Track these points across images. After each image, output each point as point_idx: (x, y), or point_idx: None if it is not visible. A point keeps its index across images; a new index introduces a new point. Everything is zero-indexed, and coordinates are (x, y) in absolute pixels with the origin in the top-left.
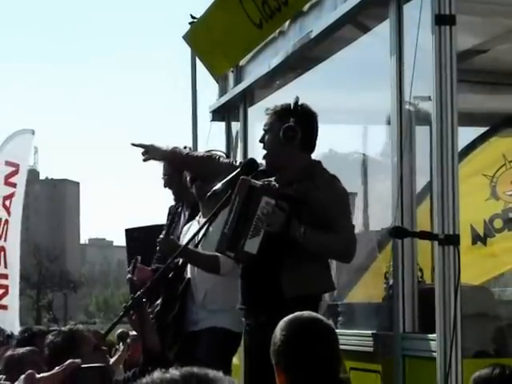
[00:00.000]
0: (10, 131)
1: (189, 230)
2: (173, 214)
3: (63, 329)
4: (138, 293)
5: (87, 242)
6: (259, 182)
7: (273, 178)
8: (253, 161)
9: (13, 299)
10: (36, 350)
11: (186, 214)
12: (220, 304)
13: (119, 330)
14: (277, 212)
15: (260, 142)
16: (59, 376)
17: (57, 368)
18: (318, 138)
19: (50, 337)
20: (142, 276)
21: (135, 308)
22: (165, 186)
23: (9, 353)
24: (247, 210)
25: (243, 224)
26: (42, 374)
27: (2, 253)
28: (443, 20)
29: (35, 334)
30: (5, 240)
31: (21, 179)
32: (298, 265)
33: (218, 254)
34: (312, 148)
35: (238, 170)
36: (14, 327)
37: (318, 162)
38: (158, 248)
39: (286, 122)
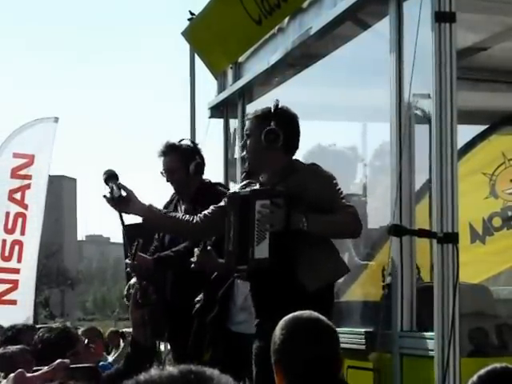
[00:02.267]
0: (15, 124)
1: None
2: (166, 207)
3: (54, 326)
4: (144, 283)
5: (84, 238)
6: (248, 190)
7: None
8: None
9: (24, 295)
10: (27, 348)
11: (183, 207)
12: None
13: (119, 330)
14: (275, 210)
15: (242, 147)
16: (49, 375)
17: (46, 367)
18: (318, 135)
19: (41, 332)
20: (141, 264)
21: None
22: (167, 181)
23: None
24: (246, 220)
25: (246, 235)
26: (31, 374)
27: (18, 246)
28: (443, 17)
29: (20, 330)
30: (22, 234)
31: (38, 170)
32: (310, 258)
33: None
34: (294, 149)
35: (245, 173)
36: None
37: (297, 160)
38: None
39: (267, 125)
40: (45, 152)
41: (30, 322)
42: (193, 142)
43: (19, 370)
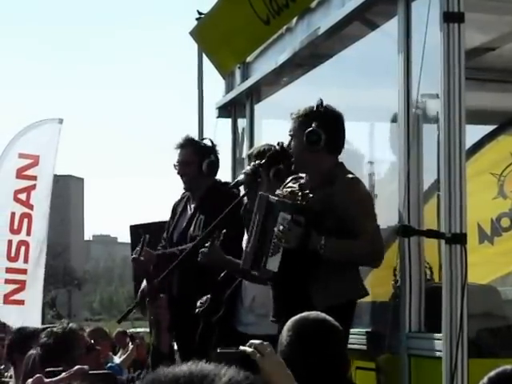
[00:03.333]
0: (21, 124)
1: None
2: (176, 206)
3: (55, 329)
4: (155, 281)
5: (91, 238)
6: (276, 198)
7: (302, 181)
8: (281, 151)
9: (32, 295)
10: None
11: (192, 206)
12: (268, 309)
13: (128, 330)
14: (293, 228)
15: (287, 147)
16: (66, 381)
17: (64, 373)
18: None
19: (42, 336)
20: (148, 259)
21: (149, 297)
22: (178, 173)
23: (28, 355)
24: (266, 228)
25: (263, 242)
26: (49, 379)
27: (24, 247)
28: (452, 17)
29: (33, 333)
30: (27, 234)
31: (43, 171)
32: (326, 275)
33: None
34: (339, 149)
35: (263, 161)
36: (32, 323)
37: (341, 164)
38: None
39: (310, 126)
40: (49, 153)
41: (39, 322)
42: (212, 142)
43: (37, 375)
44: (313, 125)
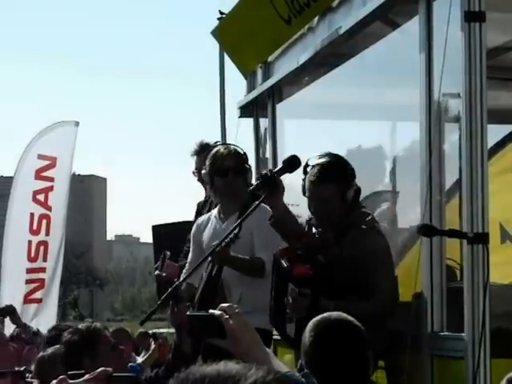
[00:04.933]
0: (41, 126)
1: (207, 226)
2: (200, 208)
3: (80, 326)
4: (177, 282)
5: (114, 238)
6: (285, 264)
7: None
8: (294, 157)
9: (50, 293)
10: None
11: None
12: (255, 305)
13: (148, 331)
14: (299, 300)
15: None
16: (90, 383)
17: (88, 375)
18: (347, 134)
19: (66, 334)
20: (170, 273)
21: (173, 300)
22: (198, 180)
23: (40, 355)
24: (280, 291)
25: (278, 304)
26: (74, 381)
27: (43, 247)
28: (473, 17)
29: (63, 331)
30: (47, 234)
31: (60, 172)
32: None
33: (262, 258)
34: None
35: (281, 167)
36: (48, 320)
37: (362, 216)
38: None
39: None
40: (66, 155)
41: (54, 320)
42: (223, 143)
43: (61, 376)
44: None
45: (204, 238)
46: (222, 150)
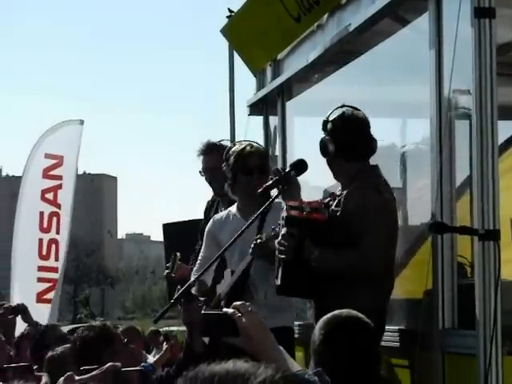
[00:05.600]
0: (49, 124)
1: (226, 222)
2: (208, 210)
3: (94, 323)
4: (190, 281)
5: (124, 236)
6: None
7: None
8: (302, 161)
9: (56, 293)
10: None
11: (223, 209)
12: (280, 303)
13: (151, 329)
14: (288, 240)
15: None
16: (99, 377)
17: (97, 370)
18: None
19: (81, 331)
20: (181, 274)
21: (185, 297)
22: (206, 180)
23: (49, 354)
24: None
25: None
26: (81, 376)
27: (54, 245)
28: (483, 13)
29: (45, 331)
30: (57, 232)
31: (67, 171)
32: (337, 289)
33: None
34: (356, 154)
35: (288, 169)
36: (52, 320)
37: (366, 169)
38: (251, 251)
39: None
40: (72, 153)
41: (55, 319)
42: (232, 141)
43: (69, 372)
44: (322, 136)
45: (223, 235)
46: (248, 148)
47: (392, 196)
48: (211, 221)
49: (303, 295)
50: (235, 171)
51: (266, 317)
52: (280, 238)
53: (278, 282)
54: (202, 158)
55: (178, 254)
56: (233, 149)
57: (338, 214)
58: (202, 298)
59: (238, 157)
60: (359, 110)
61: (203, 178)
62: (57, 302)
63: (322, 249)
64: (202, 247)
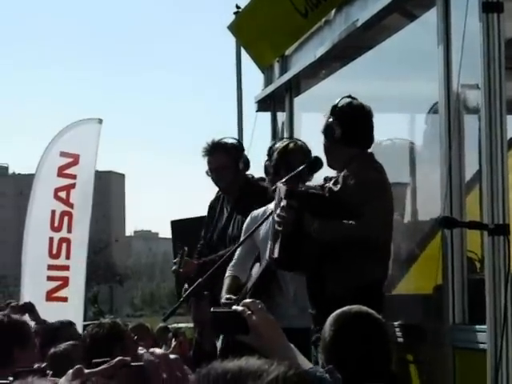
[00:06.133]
0: (64, 122)
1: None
2: (212, 206)
3: (104, 321)
4: (199, 280)
5: (133, 234)
6: (284, 186)
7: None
8: (316, 159)
9: (75, 292)
10: (77, 343)
11: (228, 207)
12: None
13: (160, 325)
14: (287, 212)
15: None
16: (108, 372)
17: (106, 364)
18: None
19: (91, 328)
20: (188, 270)
21: (195, 296)
22: (214, 179)
23: (52, 350)
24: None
25: (274, 231)
26: (90, 370)
27: (65, 244)
28: (491, 7)
29: (58, 328)
30: (69, 232)
31: (82, 170)
32: (340, 261)
33: None
34: (359, 141)
35: (303, 166)
36: (74, 320)
37: (363, 155)
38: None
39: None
40: (90, 152)
41: (81, 319)
42: (236, 139)
43: (77, 366)
44: (330, 120)
45: (260, 231)
46: (291, 145)
47: (388, 180)
48: (249, 217)
49: (300, 269)
50: (278, 167)
51: (296, 316)
52: (279, 210)
53: (276, 255)
54: (207, 158)
55: (186, 248)
56: (276, 145)
57: (337, 189)
58: (233, 297)
59: (282, 154)
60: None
61: (210, 177)
62: (78, 300)
63: (322, 220)
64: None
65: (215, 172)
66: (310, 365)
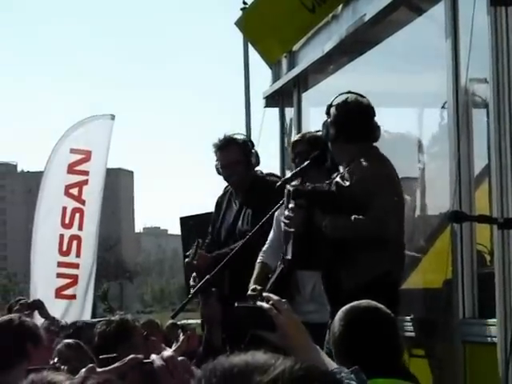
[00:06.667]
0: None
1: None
2: (220, 201)
3: (113, 318)
4: (207, 276)
5: (142, 230)
6: (293, 187)
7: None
8: (320, 153)
9: (84, 289)
10: (79, 342)
11: (237, 202)
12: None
13: (171, 322)
14: (297, 212)
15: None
16: (120, 369)
17: (118, 362)
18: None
19: (99, 326)
20: (201, 263)
21: (202, 293)
22: (226, 175)
23: (58, 347)
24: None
25: (285, 232)
26: (103, 368)
27: (76, 241)
28: (498, 0)
29: (80, 327)
30: (79, 229)
31: (95, 167)
32: (353, 256)
33: None
34: (358, 137)
35: (306, 162)
36: (82, 317)
37: (367, 150)
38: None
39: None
40: (101, 149)
41: (88, 317)
42: (244, 135)
43: (90, 365)
44: (326, 120)
45: None
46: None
47: (395, 172)
48: (282, 207)
49: (315, 268)
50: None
51: (313, 311)
52: (287, 212)
53: (289, 256)
54: (218, 153)
55: (201, 240)
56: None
57: (346, 184)
58: (258, 287)
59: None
60: (364, 97)
61: (220, 174)
62: (87, 298)
63: (333, 216)
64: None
65: (228, 167)
66: (334, 365)
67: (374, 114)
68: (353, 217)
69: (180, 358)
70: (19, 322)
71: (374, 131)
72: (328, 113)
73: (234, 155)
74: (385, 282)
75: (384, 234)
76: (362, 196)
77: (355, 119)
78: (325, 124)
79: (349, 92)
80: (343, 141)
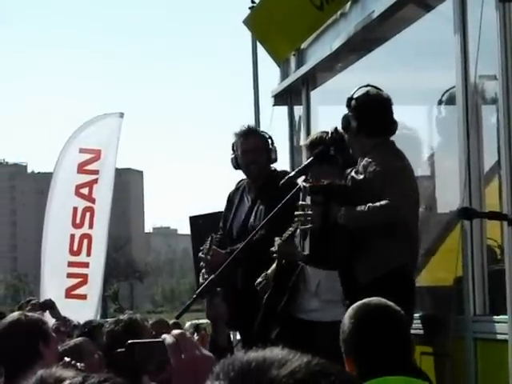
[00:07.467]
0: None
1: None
2: (231, 196)
3: (122, 317)
4: (212, 276)
5: (152, 230)
6: (306, 184)
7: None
8: (322, 150)
9: (93, 289)
10: (88, 339)
11: (249, 197)
12: (332, 294)
13: (191, 322)
14: (314, 209)
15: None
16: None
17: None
18: None
19: (107, 325)
20: (214, 260)
21: (207, 293)
22: (246, 161)
23: (62, 347)
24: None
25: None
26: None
27: (86, 240)
28: None
29: (95, 327)
30: (90, 228)
31: (105, 165)
32: (369, 247)
33: None
34: (378, 130)
35: (310, 159)
36: (92, 317)
37: (384, 143)
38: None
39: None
40: (111, 147)
41: (99, 317)
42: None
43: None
44: (346, 113)
45: None
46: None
47: (411, 167)
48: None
49: (332, 265)
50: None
51: (317, 309)
52: (302, 208)
53: (307, 251)
54: (241, 140)
55: (214, 236)
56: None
57: (360, 178)
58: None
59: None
60: (382, 91)
61: (237, 166)
62: (96, 297)
63: (347, 207)
64: None
65: (250, 153)
66: None
67: (392, 108)
68: (368, 204)
69: (189, 335)
70: (27, 321)
71: (392, 125)
72: (349, 105)
73: (258, 143)
74: (401, 273)
75: (399, 220)
76: (378, 188)
77: (376, 112)
78: (345, 117)
79: (368, 85)
80: (364, 133)
